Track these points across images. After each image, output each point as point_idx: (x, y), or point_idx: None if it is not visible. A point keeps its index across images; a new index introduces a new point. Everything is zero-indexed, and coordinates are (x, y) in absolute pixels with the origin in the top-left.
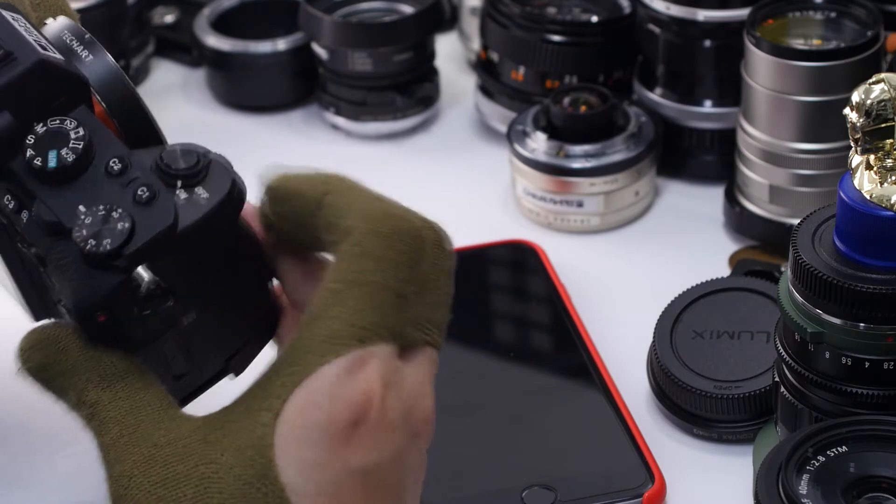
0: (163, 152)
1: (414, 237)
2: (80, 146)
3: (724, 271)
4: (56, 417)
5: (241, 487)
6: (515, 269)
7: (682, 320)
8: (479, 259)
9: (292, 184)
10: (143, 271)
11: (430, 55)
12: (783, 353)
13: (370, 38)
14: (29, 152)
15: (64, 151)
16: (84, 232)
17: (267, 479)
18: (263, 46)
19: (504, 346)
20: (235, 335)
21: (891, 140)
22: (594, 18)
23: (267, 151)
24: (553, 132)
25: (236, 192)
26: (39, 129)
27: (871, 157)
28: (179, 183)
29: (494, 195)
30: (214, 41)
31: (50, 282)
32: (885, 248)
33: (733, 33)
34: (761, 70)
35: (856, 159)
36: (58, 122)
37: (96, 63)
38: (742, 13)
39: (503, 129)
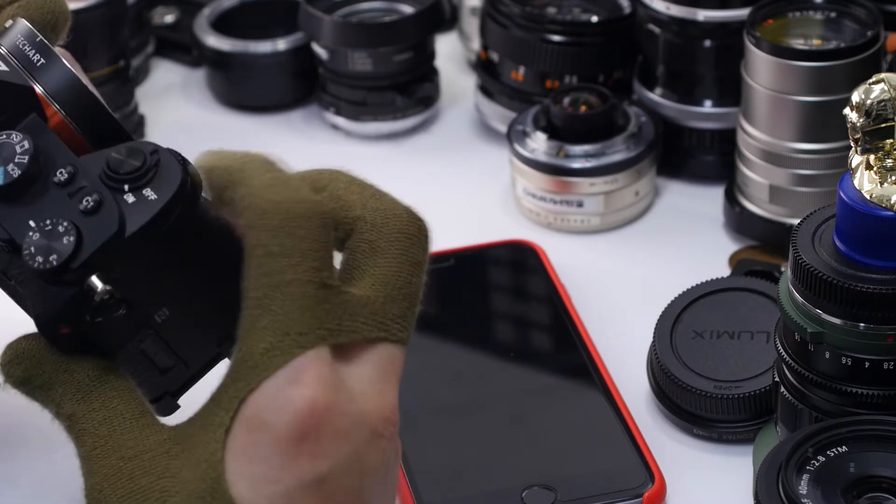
0: (109, 157)
1: (308, 219)
2: (26, 160)
3: (724, 271)
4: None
5: (193, 502)
6: (515, 269)
7: (682, 320)
8: (479, 259)
9: (215, 162)
10: (96, 281)
11: (430, 55)
12: (783, 353)
13: (370, 38)
14: None
15: (10, 167)
16: (32, 249)
17: (217, 493)
18: (263, 46)
19: (504, 346)
20: (220, 321)
21: (891, 140)
22: (594, 18)
23: (267, 151)
24: (553, 132)
25: (188, 186)
26: None
27: (871, 157)
28: (126, 186)
29: (494, 195)
30: (214, 41)
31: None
32: (885, 248)
33: (733, 33)
34: (761, 70)
35: (856, 159)
36: (3, 136)
37: (50, 68)
38: (742, 13)
39: (503, 129)
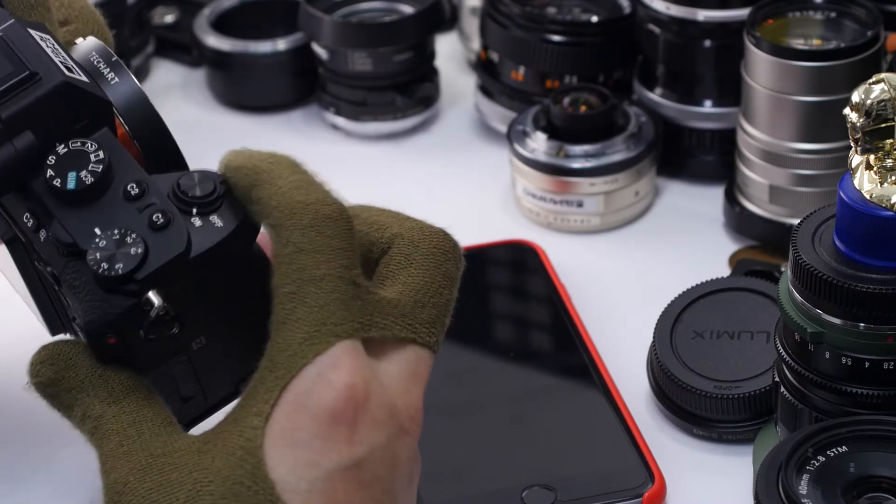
0: (181, 179)
1: (336, 220)
2: (100, 169)
3: (724, 271)
4: (58, 417)
5: (231, 487)
6: (515, 269)
7: (682, 320)
8: (479, 259)
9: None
10: (153, 297)
11: (430, 55)
12: (783, 353)
13: (370, 38)
14: (49, 172)
15: (83, 174)
16: (98, 255)
17: (257, 478)
18: (263, 46)
19: (504, 346)
20: (246, 360)
21: (891, 140)
22: (594, 18)
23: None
24: (553, 132)
25: (251, 221)
26: (61, 149)
27: (871, 157)
28: (195, 210)
29: (494, 195)
30: (214, 41)
31: (65, 300)
32: (885, 248)
33: (733, 33)
34: (761, 70)
35: (856, 159)
36: (79, 143)
37: (121, 85)
38: (742, 13)
39: (503, 129)
